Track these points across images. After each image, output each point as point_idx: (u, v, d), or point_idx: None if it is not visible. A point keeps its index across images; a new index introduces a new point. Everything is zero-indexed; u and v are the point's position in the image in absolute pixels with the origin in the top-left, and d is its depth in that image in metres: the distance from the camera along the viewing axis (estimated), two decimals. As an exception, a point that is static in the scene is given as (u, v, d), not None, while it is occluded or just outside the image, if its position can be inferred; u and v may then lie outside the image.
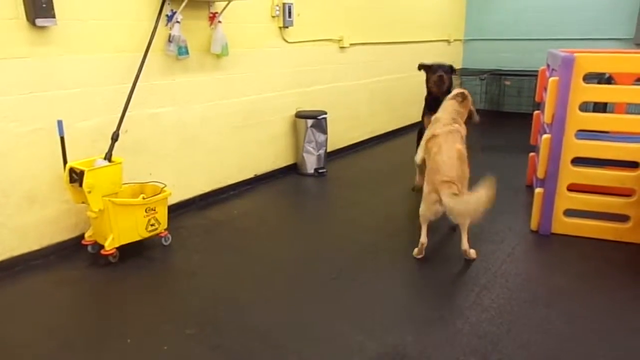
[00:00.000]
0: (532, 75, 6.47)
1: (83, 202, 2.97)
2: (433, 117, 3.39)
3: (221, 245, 3.35)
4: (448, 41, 7.93)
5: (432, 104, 3.97)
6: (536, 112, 4.41)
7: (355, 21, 5.62)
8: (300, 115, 4.85)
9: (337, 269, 2.99)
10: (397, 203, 4.09)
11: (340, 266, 3.03)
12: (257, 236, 3.51)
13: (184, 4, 3.46)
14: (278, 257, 3.17)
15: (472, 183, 3.00)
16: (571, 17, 7.41)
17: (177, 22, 3.50)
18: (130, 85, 3.26)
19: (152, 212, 3.15)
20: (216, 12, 3.85)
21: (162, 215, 3.23)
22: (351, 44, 5.56)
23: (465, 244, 3.05)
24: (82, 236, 3.17)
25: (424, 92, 4.21)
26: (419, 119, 4.33)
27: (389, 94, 6.50)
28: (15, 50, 2.80)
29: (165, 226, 3.28)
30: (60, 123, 2.90)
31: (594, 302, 2.62)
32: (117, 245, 3.03)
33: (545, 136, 3.32)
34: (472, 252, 3.09)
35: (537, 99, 4.37)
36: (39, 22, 2.81)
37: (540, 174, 3.40)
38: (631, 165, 3.22)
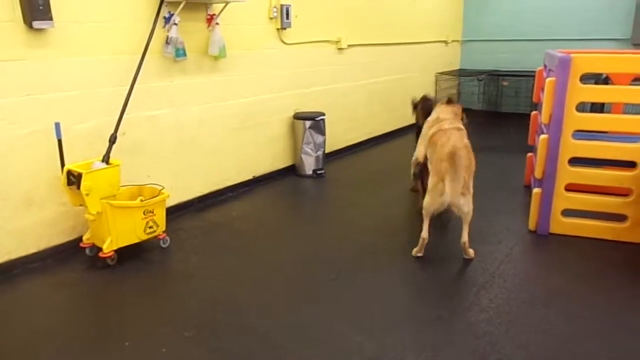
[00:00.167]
0: (530, 75, 6.47)
1: (81, 205, 2.96)
2: (432, 119, 3.37)
3: (220, 247, 3.35)
4: (446, 42, 7.95)
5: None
6: (534, 112, 4.42)
7: (353, 22, 5.63)
8: (299, 117, 4.85)
9: (335, 270, 2.99)
10: (396, 204, 4.09)
11: (339, 267, 3.03)
12: (256, 238, 3.50)
13: (181, 6, 3.47)
14: (277, 259, 3.17)
15: (472, 184, 3.01)
16: (568, 18, 7.43)
17: (175, 24, 3.50)
18: (128, 87, 3.26)
19: (150, 214, 3.14)
20: (214, 14, 3.86)
21: (160, 217, 3.22)
22: (349, 45, 5.56)
23: (465, 237, 3.05)
24: (80, 239, 3.16)
25: (420, 94, 4.20)
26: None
27: (387, 95, 6.50)
28: (12, 53, 2.80)
29: (164, 228, 3.28)
30: (57, 125, 2.90)
31: (593, 302, 2.63)
32: (115, 248, 3.03)
33: (542, 136, 3.33)
34: (471, 252, 3.09)
35: (534, 99, 4.37)
36: (36, 24, 2.81)
37: (538, 174, 3.40)
38: (628, 165, 3.22)
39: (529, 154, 4.47)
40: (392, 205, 4.06)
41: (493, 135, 6.73)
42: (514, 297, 2.67)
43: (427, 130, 3.35)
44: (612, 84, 4.11)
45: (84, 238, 3.13)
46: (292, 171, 5.01)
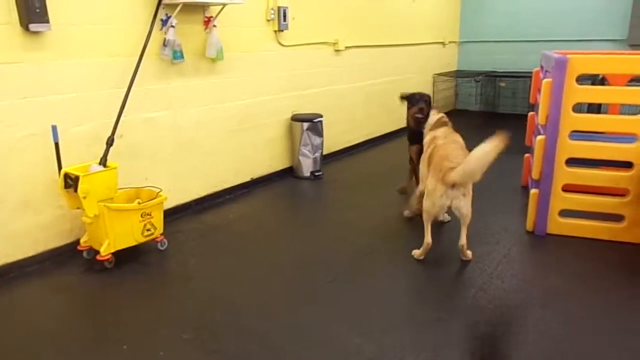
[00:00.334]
0: (527, 76, 6.49)
1: (78, 208, 2.96)
2: (428, 139, 3.36)
3: (217, 250, 3.34)
4: (443, 43, 7.96)
5: (412, 136, 3.88)
6: (531, 113, 4.43)
7: (351, 24, 5.63)
8: (296, 119, 4.85)
9: (333, 272, 2.99)
10: (394, 205, 4.09)
11: (337, 268, 3.03)
12: (254, 240, 3.50)
13: (178, 8, 3.47)
14: (275, 260, 3.17)
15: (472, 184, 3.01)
16: (565, 19, 7.45)
17: (172, 26, 3.50)
18: (125, 89, 3.26)
19: (148, 216, 3.14)
20: (211, 16, 3.86)
21: (158, 220, 3.22)
22: (346, 47, 5.57)
23: (463, 239, 3.05)
24: (77, 242, 3.16)
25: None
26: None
27: (385, 96, 6.51)
28: (9, 56, 2.80)
29: (161, 231, 3.27)
30: (54, 128, 2.90)
31: (590, 302, 2.63)
32: (112, 251, 3.02)
33: (539, 137, 3.34)
34: (469, 254, 3.10)
35: (531, 100, 4.39)
36: (33, 27, 2.81)
37: (535, 174, 3.41)
38: (625, 165, 3.23)
39: (526, 155, 4.48)
40: (390, 207, 4.06)
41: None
42: (512, 298, 2.68)
43: (425, 154, 3.36)
44: (609, 84, 4.12)
45: (82, 241, 3.12)
46: (289, 173, 5.01)
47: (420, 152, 3.62)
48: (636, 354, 2.23)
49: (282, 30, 4.63)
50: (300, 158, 4.89)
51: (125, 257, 3.11)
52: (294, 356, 2.23)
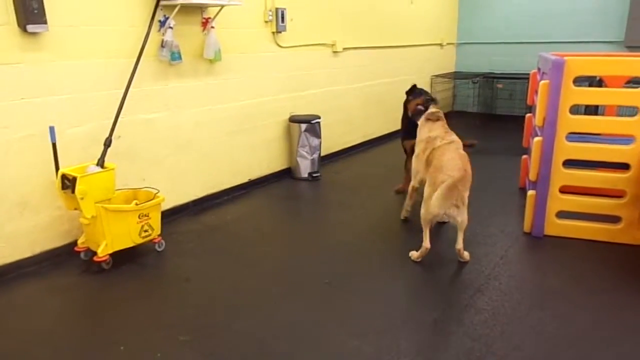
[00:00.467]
0: (524, 78, 6.51)
1: (75, 209, 2.96)
2: (425, 137, 3.36)
3: (215, 251, 3.34)
4: (441, 45, 7.97)
5: (411, 129, 3.89)
6: (528, 115, 4.44)
7: (349, 26, 5.64)
8: (294, 120, 4.85)
9: (331, 273, 2.99)
10: (391, 206, 4.10)
11: (334, 270, 3.03)
12: (252, 241, 3.50)
13: (176, 9, 3.47)
14: (272, 262, 3.17)
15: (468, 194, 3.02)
16: (562, 21, 7.47)
17: (170, 27, 3.50)
18: (123, 90, 3.26)
19: (146, 218, 3.14)
20: (209, 18, 3.86)
21: (156, 221, 3.22)
22: (344, 49, 5.57)
23: (460, 244, 3.06)
24: (74, 243, 3.15)
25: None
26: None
27: (383, 98, 6.52)
28: (7, 56, 2.79)
29: (159, 232, 3.27)
30: (52, 129, 2.89)
31: (587, 303, 2.64)
32: (110, 252, 3.02)
33: (536, 139, 3.35)
34: (466, 255, 3.10)
35: (528, 102, 4.39)
36: (30, 28, 2.80)
37: (532, 176, 3.42)
38: (622, 167, 3.24)
39: (524, 156, 4.49)
40: (388, 208, 4.06)
41: (488, 138, 6.75)
42: (509, 299, 2.68)
43: (420, 152, 3.37)
44: (606, 86, 4.13)
45: (79, 242, 3.12)
46: (287, 174, 5.01)
47: (412, 146, 3.69)
48: (634, 355, 2.23)
49: (280, 32, 4.63)
50: (298, 159, 4.89)
51: (123, 258, 3.11)
52: (291, 358, 2.23)
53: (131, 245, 3.12)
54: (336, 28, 5.44)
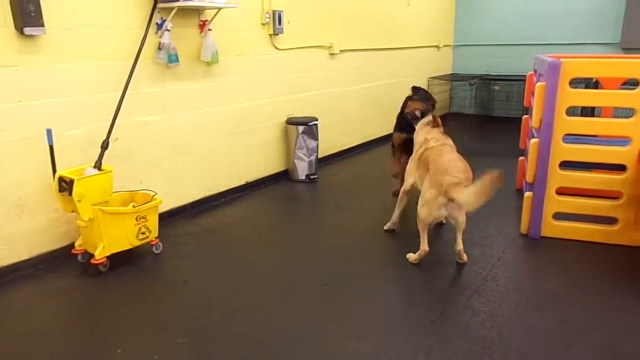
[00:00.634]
0: (521, 80, 6.53)
1: (73, 211, 2.95)
2: (422, 139, 3.35)
3: (213, 253, 3.34)
4: (438, 47, 7.99)
5: (404, 124, 3.91)
6: (525, 116, 4.45)
7: (346, 28, 5.65)
8: (291, 122, 4.86)
9: (328, 275, 2.99)
10: (389, 208, 4.08)
11: (332, 272, 3.03)
12: (249, 243, 3.50)
13: (173, 11, 3.47)
14: (270, 264, 3.17)
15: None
16: (558, 22, 7.50)
17: (167, 30, 3.50)
18: (120, 93, 3.26)
19: (143, 220, 3.14)
20: (206, 20, 3.86)
21: (153, 223, 3.21)
22: (341, 51, 5.58)
23: (460, 245, 3.07)
24: (72, 245, 3.15)
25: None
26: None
27: (380, 99, 6.53)
28: (4, 59, 2.79)
29: (156, 234, 3.27)
30: (49, 132, 2.89)
31: (584, 305, 2.64)
32: (107, 254, 3.01)
33: (533, 140, 3.36)
34: (464, 256, 3.11)
35: (525, 103, 4.41)
36: (27, 30, 2.80)
37: (529, 177, 3.43)
38: (618, 168, 3.25)
39: (521, 158, 4.50)
40: (385, 210, 4.06)
41: (485, 139, 6.76)
42: (506, 301, 2.69)
43: (415, 154, 3.37)
44: (602, 88, 4.15)
45: (76, 244, 3.12)
46: (285, 176, 5.01)
47: (404, 141, 3.79)
48: (631, 356, 2.24)
49: (277, 34, 4.64)
50: (296, 161, 4.89)
51: (120, 260, 3.11)
52: None
53: (128, 247, 3.12)
54: (333, 30, 5.45)
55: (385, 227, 3.65)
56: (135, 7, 3.40)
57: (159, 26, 3.52)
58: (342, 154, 5.92)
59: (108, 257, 3.03)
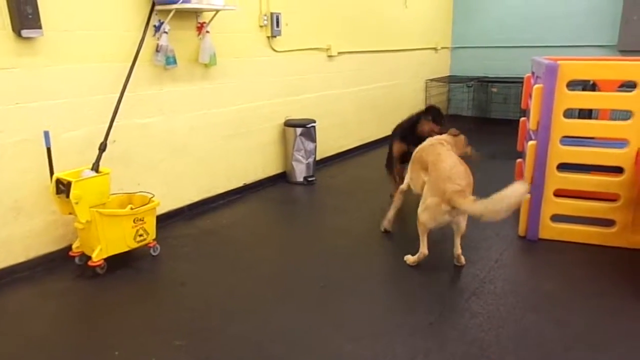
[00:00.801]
0: (519, 82, 6.55)
1: (70, 213, 2.95)
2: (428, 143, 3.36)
3: (210, 255, 3.33)
4: (435, 49, 8.01)
5: (407, 135, 3.95)
6: (522, 118, 4.46)
7: (343, 30, 5.66)
8: (289, 124, 4.86)
9: (326, 277, 2.99)
10: (386, 210, 4.09)
11: (330, 274, 3.03)
12: (247, 245, 3.50)
13: (171, 14, 3.47)
14: (267, 266, 3.17)
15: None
16: (555, 25, 7.52)
17: (165, 32, 3.50)
18: (118, 95, 3.26)
19: (141, 222, 3.13)
20: (204, 22, 3.86)
21: (151, 225, 3.21)
22: (339, 53, 5.59)
23: (458, 249, 3.08)
24: (69, 248, 3.14)
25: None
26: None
27: (378, 102, 6.54)
28: (1, 61, 2.79)
29: (154, 236, 3.26)
30: (46, 134, 2.89)
31: (582, 307, 2.65)
32: (104, 257, 3.01)
33: (530, 143, 3.36)
34: (462, 259, 3.11)
35: (522, 105, 4.42)
36: (25, 33, 2.80)
37: (527, 180, 3.43)
38: (616, 170, 3.26)
39: (518, 160, 4.50)
40: (383, 212, 4.05)
41: (482, 142, 6.77)
42: (504, 303, 2.69)
43: (413, 156, 3.38)
44: (599, 90, 4.16)
45: (74, 247, 3.11)
46: (283, 178, 5.01)
47: (403, 153, 3.85)
48: (628, 359, 2.24)
49: (275, 36, 4.64)
50: (294, 163, 4.89)
51: (118, 262, 3.10)
52: (287, 362, 2.23)
53: (126, 249, 3.11)
54: (331, 32, 5.45)
55: (382, 227, 3.66)
56: (133, 9, 3.40)
57: (157, 28, 3.52)
58: (340, 156, 5.92)
59: (105, 260, 3.02)
